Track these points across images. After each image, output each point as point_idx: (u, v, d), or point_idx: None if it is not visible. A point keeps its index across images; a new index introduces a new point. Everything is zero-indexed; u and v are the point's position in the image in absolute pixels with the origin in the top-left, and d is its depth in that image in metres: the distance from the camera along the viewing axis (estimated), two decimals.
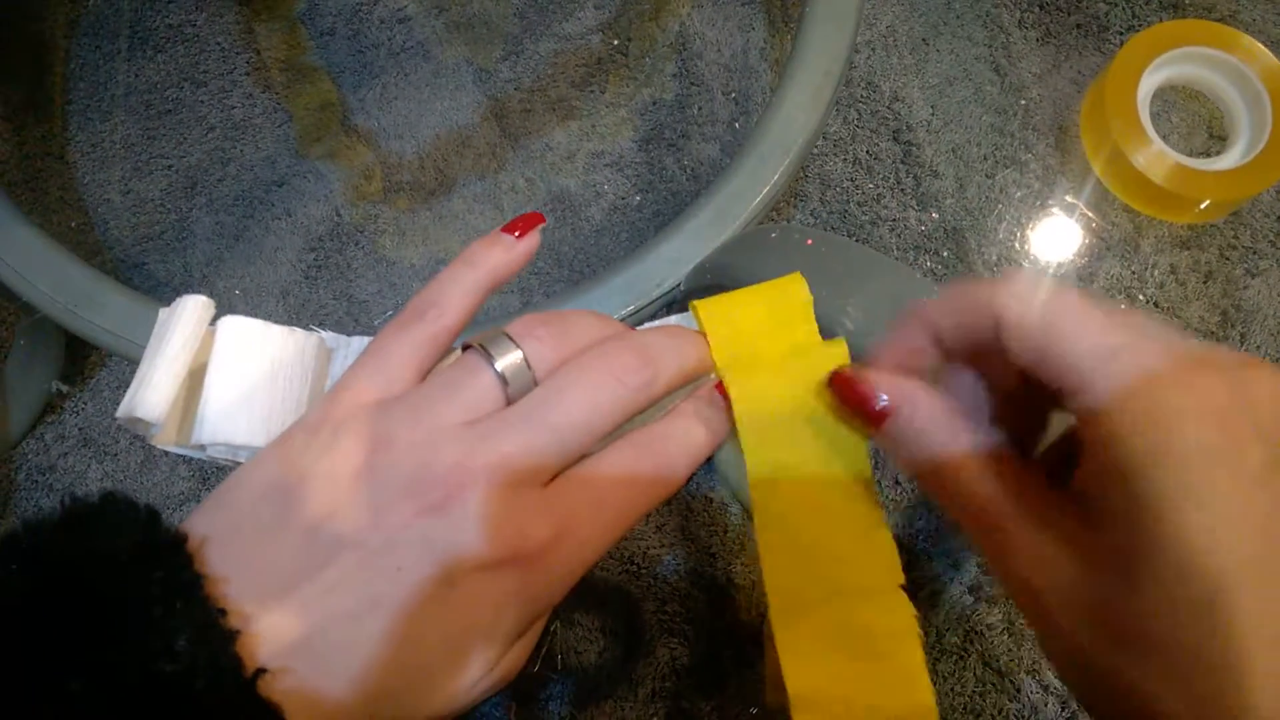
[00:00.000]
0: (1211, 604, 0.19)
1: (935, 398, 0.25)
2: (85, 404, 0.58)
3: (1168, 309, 0.60)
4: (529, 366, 0.26)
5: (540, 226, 0.30)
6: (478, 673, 0.25)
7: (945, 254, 0.60)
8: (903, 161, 0.62)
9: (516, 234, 0.29)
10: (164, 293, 0.59)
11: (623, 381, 0.26)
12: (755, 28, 0.64)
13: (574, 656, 0.54)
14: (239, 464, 0.28)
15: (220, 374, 0.28)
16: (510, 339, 0.26)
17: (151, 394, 0.27)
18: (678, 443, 0.27)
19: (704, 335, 0.29)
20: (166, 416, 0.27)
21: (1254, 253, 0.60)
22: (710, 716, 0.53)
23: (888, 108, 0.63)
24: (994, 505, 0.23)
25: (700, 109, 0.62)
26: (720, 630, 0.54)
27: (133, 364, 0.57)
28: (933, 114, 0.63)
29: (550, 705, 0.54)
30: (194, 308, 0.28)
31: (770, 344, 0.29)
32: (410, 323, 0.27)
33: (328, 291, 0.59)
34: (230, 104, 0.62)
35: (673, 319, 0.31)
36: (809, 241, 0.32)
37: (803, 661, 0.27)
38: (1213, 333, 0.60)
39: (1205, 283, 0.60)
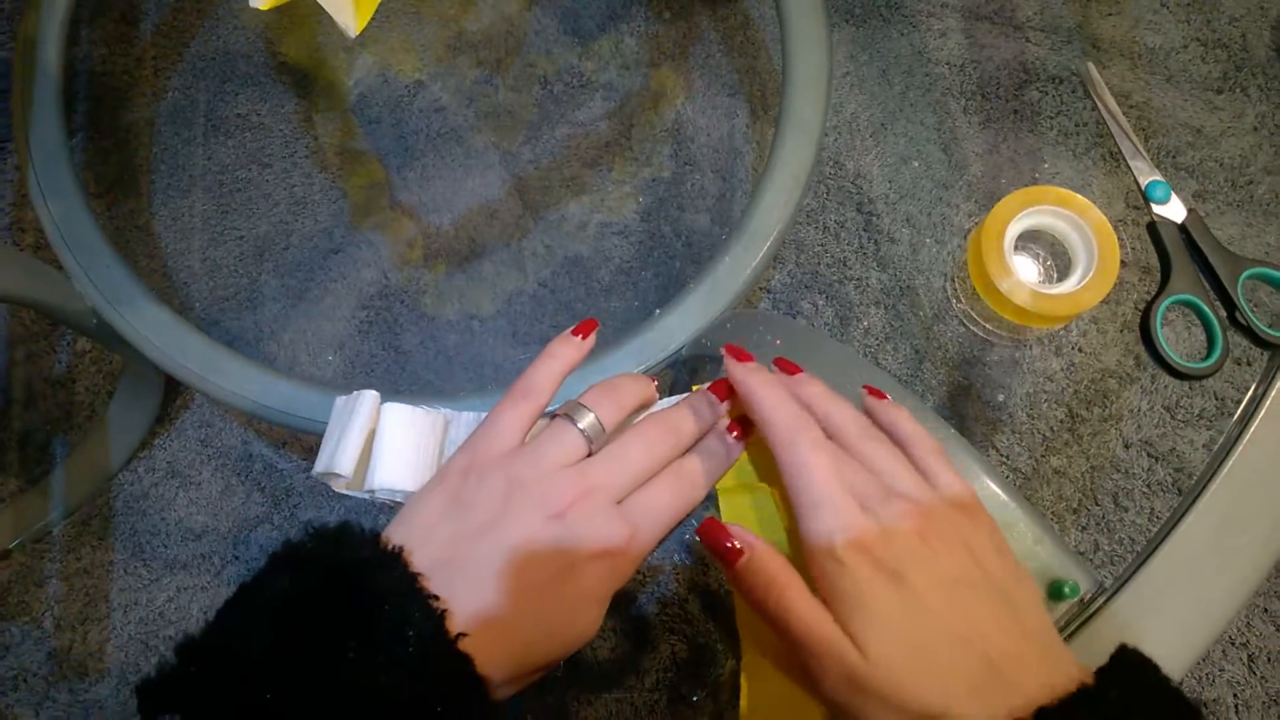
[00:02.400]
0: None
1: (768, 545, 0.38)
2: (173, 441, 0.68)
3: (1090, 353, 0.70)
4: (600, 423, 0.38)
5: (596, 329, 0.42)
6: (584, 626, 0.36)
7: (900, 307, 0.71)
8: (865, 229, 0.73)
9: (581, 336, 0.41)
10: (238, 346, 0.69)
11: (663, 443, 0.39)
12: (739, 115, 0.75)
13: (589, 651, 0.64)
14: (395, 501, 0.39)
15: (385, 442, 0.39)
16: (585, 407, 0.38)
17: (344, 457, 0.38)
18: (701, 470, 0.39)
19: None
20: (354, 472, 0.39)
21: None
22: (705, 702, 0.63)
23: (852, 183, 0.74)
24: (807, 614, 0.35)
25: (693, 185, 0.73)
26: (714, 629, 0.64)
27: (213, 403, 0.67)
28: (890, 188, 0.74)
29: (569, 692, 0.64)
30: (370, 399, 0.40)
31: None
32: (517, 401, 0.39)
33: (377, 343, 0.70)
34: (292, 183, 0.73)
35: (670, 399, 0.43)
36: (777, 342, 0.43)
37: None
38: (1129, 374, 0.71)
39: (1122, 332, 0.71)
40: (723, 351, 0.41)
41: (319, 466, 0.38)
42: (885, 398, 0.41)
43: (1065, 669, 0.32)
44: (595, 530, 0.36)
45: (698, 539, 0.39)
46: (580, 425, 0.38)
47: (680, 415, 0.40)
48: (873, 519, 0.35)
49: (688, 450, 0.40)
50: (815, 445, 0.37)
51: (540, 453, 0.38)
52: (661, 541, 0.40)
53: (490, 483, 0.36)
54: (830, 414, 0.39)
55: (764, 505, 0.41)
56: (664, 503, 0.38)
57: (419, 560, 0.34)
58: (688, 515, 0.40)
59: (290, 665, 0.31)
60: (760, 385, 0.39)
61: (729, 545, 0.37)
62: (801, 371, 0.41)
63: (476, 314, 0.70)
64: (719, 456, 0.40)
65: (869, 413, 0.40)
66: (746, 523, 0.41)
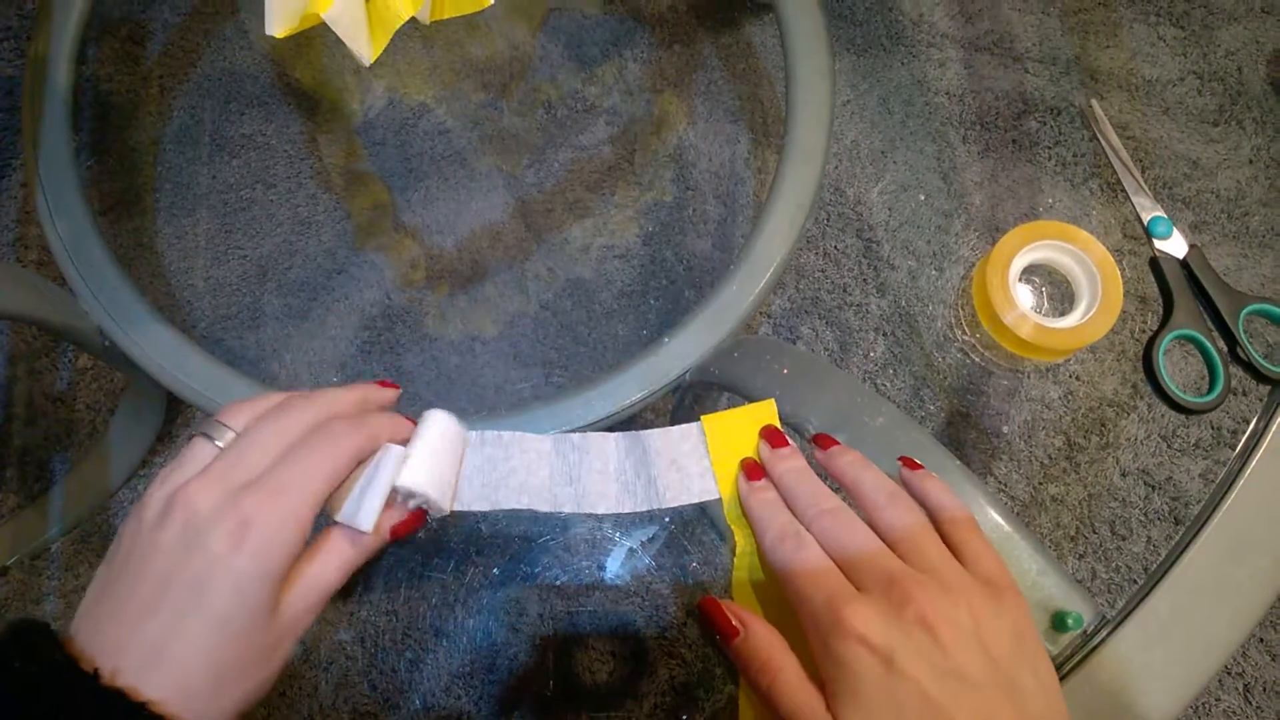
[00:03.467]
0: None
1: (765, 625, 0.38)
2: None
3: (1087, 382, 0.71)
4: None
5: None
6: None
7: (899, 334, 0.71)
8: (864, 256, 0.73)
9: None
10: (241, 365, 0.69)
11: (301, 415, 0.39)
12: (740, 141, 0.76)
13: (588, 675, 0.64)
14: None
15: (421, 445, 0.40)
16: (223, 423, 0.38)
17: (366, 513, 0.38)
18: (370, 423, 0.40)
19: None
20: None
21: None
22: None
23: (852, 210, 0.74)
24: (796, 699, 0.35)
25: (695, 210, 0.74)
26: (711, 654, 0.64)
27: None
28: (890, 215, 0.74)
29: (566, 715, 0.64)
30: (395, 455, 0.40)
31: (748, 448, 0.42)
32: None
33: (379, 364, 0.70)
34: (297, 203, 0.73)
35: (682, 427, 0.43)
36: (785, 371, 0.44)
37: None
38: (1125, 402, 0.71)
39: (1119, 360, 0.71)
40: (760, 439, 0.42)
41: (343, 516, 0.38)
42: (919, 468, 0.41)
43: None
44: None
45: (698, 611, 0.39)
46: (217, 441, 0.38)
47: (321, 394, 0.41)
48: (870, 601, 0.35)
49: None
50: (798, 545, 0.37)
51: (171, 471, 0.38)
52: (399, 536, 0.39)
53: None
54: (860, 482, 0.39)
55: None
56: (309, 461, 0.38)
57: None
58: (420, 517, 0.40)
59: None
60: (748, 497, 0.40)
61: (726, 623, 0.37)
62: (837, 445, 0.41)
63: (478, 335, 0.71)
64: (395, 422, 0.41)
65: (904, 483, 0.40)
66: (756, 567, 0.41)
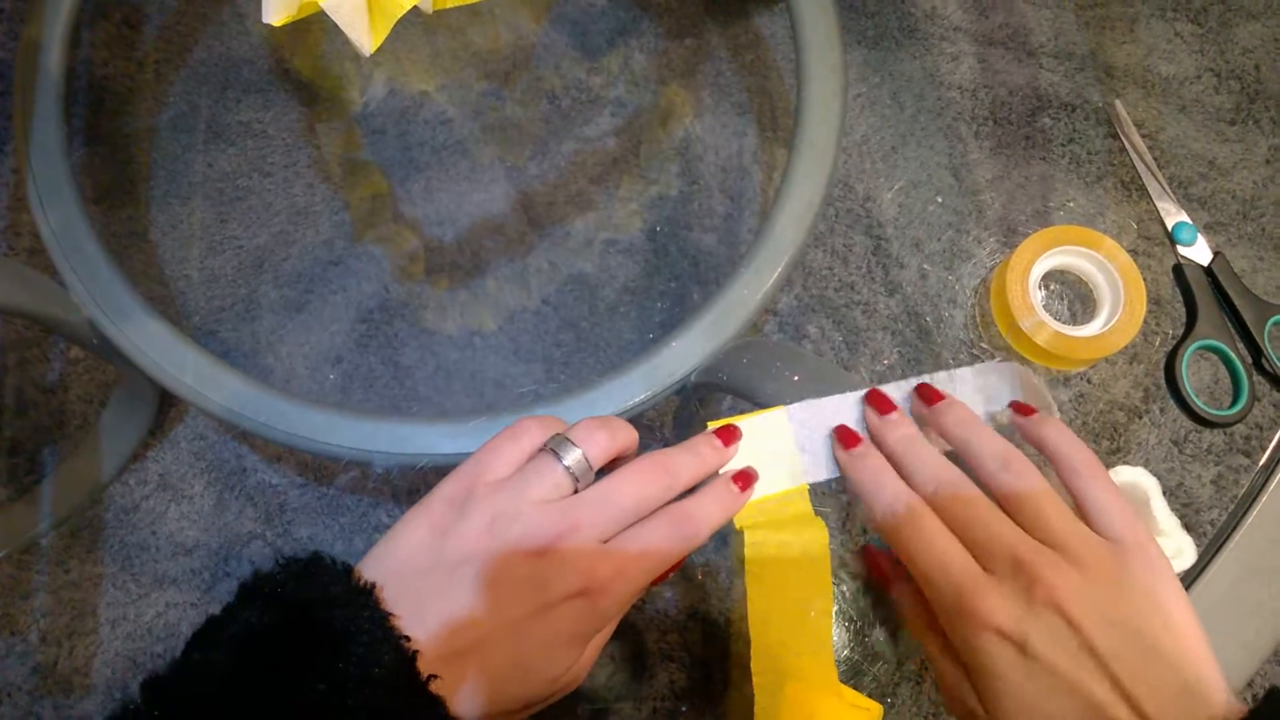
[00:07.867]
0: None
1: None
2: (165, 454, 0.67)
3: (1098, 384, 0.70)
4: (587, 460, 0.37)
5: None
6: (564, 666, 0.35)
7: (909, 334, 0.70)
8: (873, 253, 0.72)
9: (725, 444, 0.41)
10: (235, 358, 0.68)
11: (656, 483, 0.37)
12: (748, 134, 0.74)
13: (586, 679, 0.63)
14: None
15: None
16: (572, 443, 0.37)
17: None
18: (700, 515, 0.38)
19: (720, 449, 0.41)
20: None
21: (1172, 337, 0.70)
22: None
23: (861, 206, 0.73)
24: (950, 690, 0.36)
25: (700, 204, 0.72)
26: (711, 658, 0.63)
27: (210, 419, 0.66)
28: (900, 212, 0.73)
29: (563, 719, 0.63)
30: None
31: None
32: (519, 436, 0.38)
33: (377, 358, 0.68)
34: (294, 193, 0.72)
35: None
36: (795, 378, 0.42)
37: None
38: (1137, 407, 0.70)
39: (1131, 364, 0.70)
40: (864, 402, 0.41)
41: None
42: (1033, 413, 0.40)
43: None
44: (574, 568, 0.35)
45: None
46: (565, 462, 0.37)
47: (678, 456, 0.40)
48: (999, 588, 0.35)
49: (688, 493, 0.39)
50: (918, 523, 0.36)
51: (525, 485, 0.37)
52: (658, 582, 0.39)
53: (472, 515, 0.36)
54: (971, 443, 0.38)
55: (789, 546, 0.40)
56: (653, 545, 0.37)
57: (392, 593, 0.33)
58: (682, 560, 0.39)
59: (254, 706, 0.29)
60: (849, 465, 0.40)
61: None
62: (942, 399, 0.40)
63: (478, 330, 0.69)
64: (721, 502, 0.40)
65: (1018, 429, 0.40)
66: (767, 565, 0.40)
